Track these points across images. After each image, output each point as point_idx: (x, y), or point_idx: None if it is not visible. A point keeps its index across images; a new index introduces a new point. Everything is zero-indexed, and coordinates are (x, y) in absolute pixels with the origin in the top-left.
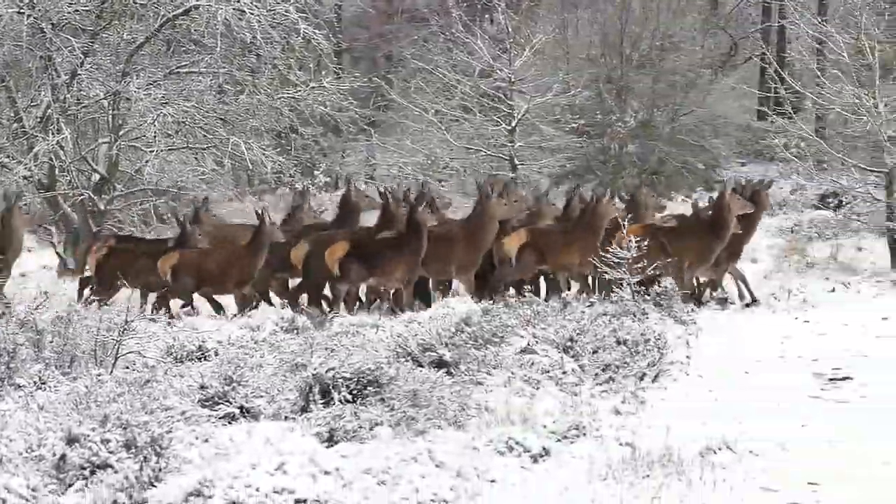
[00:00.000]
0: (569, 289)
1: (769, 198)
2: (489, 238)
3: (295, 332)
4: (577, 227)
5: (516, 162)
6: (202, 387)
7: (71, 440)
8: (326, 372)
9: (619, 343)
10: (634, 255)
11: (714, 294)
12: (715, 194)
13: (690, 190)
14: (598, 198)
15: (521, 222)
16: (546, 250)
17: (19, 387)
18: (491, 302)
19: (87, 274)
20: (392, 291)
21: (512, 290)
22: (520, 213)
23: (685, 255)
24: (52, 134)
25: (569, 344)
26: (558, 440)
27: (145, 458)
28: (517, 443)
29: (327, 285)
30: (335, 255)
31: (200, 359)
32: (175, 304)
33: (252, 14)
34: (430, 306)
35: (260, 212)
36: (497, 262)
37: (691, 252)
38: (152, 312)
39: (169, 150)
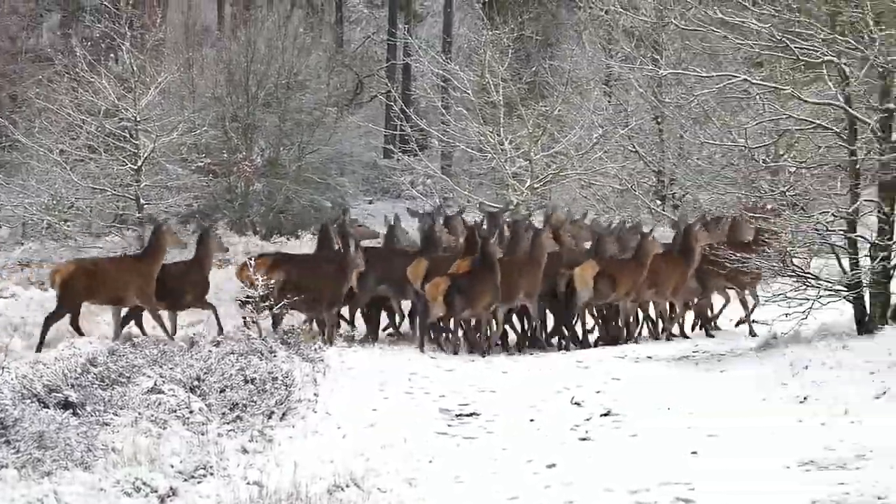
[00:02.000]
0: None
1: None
2: None
3: None
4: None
5: (143, 201)
6: None
7: None
8: None
9: (246, 381)
10: (262, 292)
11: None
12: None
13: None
14: (645, 234)
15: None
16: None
17: None
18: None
19: None
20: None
21: None
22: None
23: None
24: None
25: (196, 383)
26: (185, 480)
27: None
28: (144, 483)
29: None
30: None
31: None
32: None
33: None
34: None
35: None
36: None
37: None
38: None
39: None
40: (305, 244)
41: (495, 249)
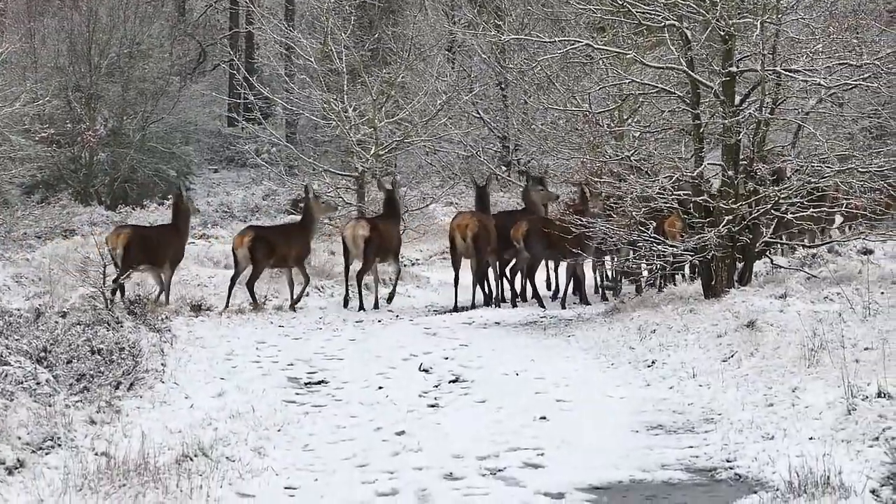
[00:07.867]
0: None
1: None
2: None
3: None
4: None
5: None
6: None
7: None
8: None
9: (93, 352)
10: None
11: None
12: None
13: (163, 197)
14: None
15: None
16: None
17: None
18: None
19: None
20: None
21: None
22: None
23: None
24: None
25: (42, 354)
26: (33, 451)
27: None
28: None
29: None
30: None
31: None
32: None
33: None
34: None
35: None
36: None
37: None
38: None
39: None
40: (151, 213)
41: None
